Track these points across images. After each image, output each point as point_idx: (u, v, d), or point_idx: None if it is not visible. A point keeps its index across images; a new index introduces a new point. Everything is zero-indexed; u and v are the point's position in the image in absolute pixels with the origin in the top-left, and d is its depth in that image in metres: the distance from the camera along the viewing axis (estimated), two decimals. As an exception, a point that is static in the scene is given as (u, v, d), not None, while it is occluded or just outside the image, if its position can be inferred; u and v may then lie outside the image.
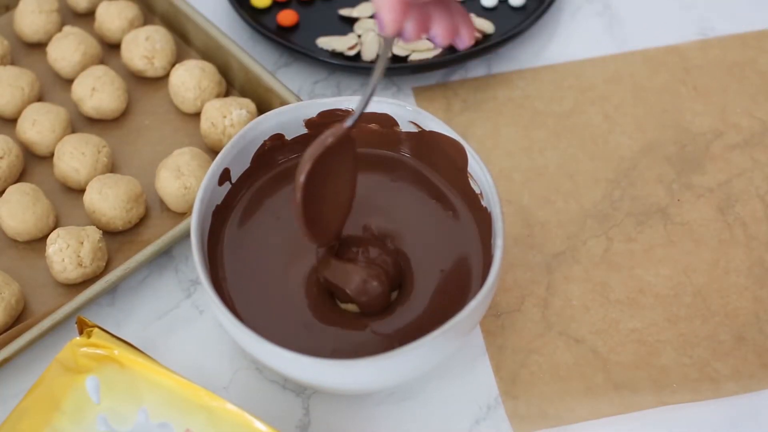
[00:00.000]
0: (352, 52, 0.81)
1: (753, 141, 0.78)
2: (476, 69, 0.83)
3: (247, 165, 0.69)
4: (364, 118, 0.69)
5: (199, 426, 0.60)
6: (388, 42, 0.58)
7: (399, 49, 0.82)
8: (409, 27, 0.57)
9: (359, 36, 0.83)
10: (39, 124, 0.75)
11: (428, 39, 0.59)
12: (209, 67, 0.78)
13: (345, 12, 0.85)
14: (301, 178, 0.60)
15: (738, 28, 0.85)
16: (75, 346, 0.63)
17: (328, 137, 0.61)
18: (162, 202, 0.74)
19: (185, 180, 0.72)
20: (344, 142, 0.61)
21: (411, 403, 0.67)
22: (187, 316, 0.71)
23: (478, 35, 0.82)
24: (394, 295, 0.66)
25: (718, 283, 0.71)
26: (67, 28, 0.81)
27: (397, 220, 0.68)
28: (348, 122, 0.61)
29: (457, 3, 0.59)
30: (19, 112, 0.77)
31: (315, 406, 0.67)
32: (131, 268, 0.69)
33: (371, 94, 0.61)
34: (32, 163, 0.77)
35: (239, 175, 0.68)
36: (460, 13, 0.59)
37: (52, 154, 0.75)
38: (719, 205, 0.75)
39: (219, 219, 0.67)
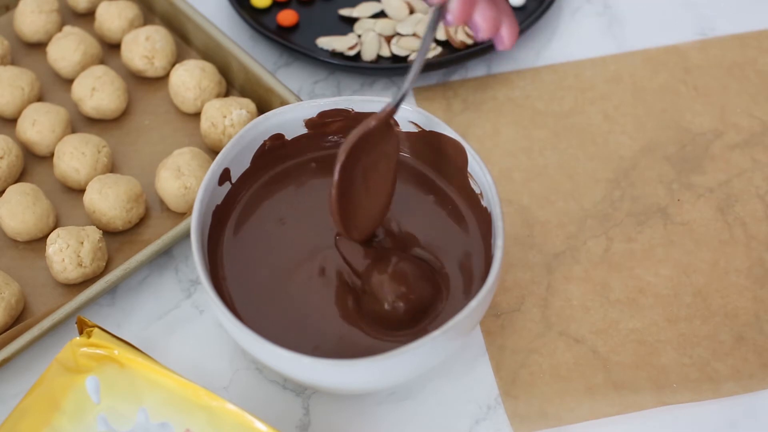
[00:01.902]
0: (352, 52, 0.81)
1: (753, 141, 0.78)
2: (476, 69, 0.83)
3: (247, 165, 0.69)
4: (364, 118, 0.69)
5: (199, 426, 0.60)
6: (434, 19, 0.57)
7: (399, 48, 0.82)
8: (454, 4, 0.56)
9: (359, 36, 0.83)
10: (39, 124, 0.75)
11: (470, 29, 0.58)
12: (209, 67, 0.78)
13: (345, 12, 0.85)
14: (341, 158, 0.61)
15: (738, 28, 0.85)
16: (75, 346, 0.63)
17: (371, 120, 0.61)
18: (162, 202, 0.74)
19: (185, 180, 0.72)
20: (386, 129, 0.62)
21: (411, 403, 0.67)
22: (187, 316, 0.71)
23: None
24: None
25: (718, 283, 0.71)
26: (67, 28, 0.81)
27: (398, 220, 0.68)
28: (391, 102, 0.62)
29: (505, 2, 0.58)
30: (19, 112, 0.77)
31: (315, 406, 0.67)
32: (131, 268, 0.69)
33: (417, 72, 0.61)
34: (32, 163, 0.77)
35: (239, 175, 0.68)
36: (506, 13, 0.58)
37: (52, 154, 0.75)
38: (719, 205, 0.75)
39: (219, 219, 0.67)
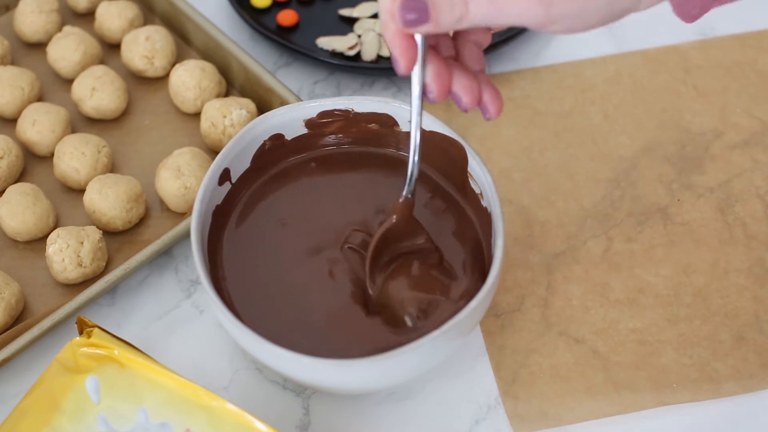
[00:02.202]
0: (352, 52, 0.81)
1: (753, 141, 0.78)
2: (476, 69, 0.83)
3: (247, 165, 0.69)
4: (364, 118, 0.69)
5: (199, 426, 0.60)
6: (419, 105, 0.58)
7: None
8: (429, 78, 0.56)
9: (359, 36, 0.83)
10: (39, 124, 0.75)
11: (454, 100, 0.58)
12: (209, 67, 0.78)
13: (345, 12, 0.85)
14: (369, 261, 0.64)
15: (738, 28, 0.85)
16: (75, 346, 0.63)
17: (392, 216, 0.63)
18: (162, 202, 0.74)
19: (185, 180, 0.72)
20: (404, 216, 0.64)
21: (411, 403, 0.67)
22: (187, 316, 0.71)
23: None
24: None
25: (718, 283, 0.71)
26: (67, 28, 0.81)
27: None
28: (404, 192, 0.63)
29: (484, 74, 0.58)
30: (19, 112, 0.77)
31: (315, 406, 0.67)
32: (131, 268, 0.69)
33: (416, 164, 0.62)
34: (32, 163, 0.77)
35: (239, 175, 0.68)
36: (486, 81, 0.58)
37: (52, 154, 0.75)
38: (719, 205, 0.75)
39: (219, 219, 0.67)
